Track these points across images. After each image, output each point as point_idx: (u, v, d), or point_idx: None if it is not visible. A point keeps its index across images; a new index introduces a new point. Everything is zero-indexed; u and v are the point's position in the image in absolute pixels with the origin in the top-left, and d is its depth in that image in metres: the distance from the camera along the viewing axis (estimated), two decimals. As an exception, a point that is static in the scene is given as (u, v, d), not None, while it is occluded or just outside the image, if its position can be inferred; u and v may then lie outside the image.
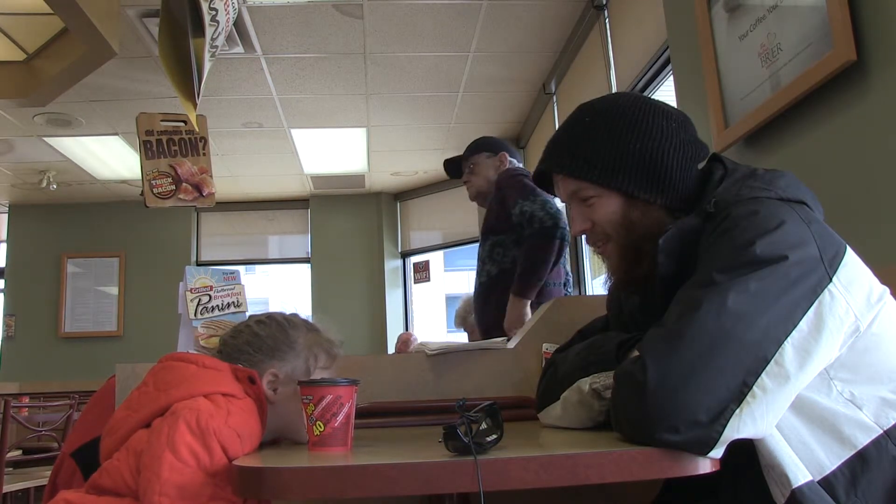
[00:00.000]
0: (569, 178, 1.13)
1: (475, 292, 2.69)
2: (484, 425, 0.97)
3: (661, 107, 1.14)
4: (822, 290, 0.89)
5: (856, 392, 0.92)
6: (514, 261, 2.48)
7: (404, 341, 6.12)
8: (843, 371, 0.92)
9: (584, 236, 1.17)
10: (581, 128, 1.14)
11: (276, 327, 1.26)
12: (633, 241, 1.10)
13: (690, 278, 0.95)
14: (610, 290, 1.30)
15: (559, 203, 2.57)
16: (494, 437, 0.92)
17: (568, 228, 2.40)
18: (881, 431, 0.91)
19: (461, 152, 2.87)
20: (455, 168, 2.86)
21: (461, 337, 4.60)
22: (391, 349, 6.65)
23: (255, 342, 1.23)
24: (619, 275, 1.14)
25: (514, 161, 2.73)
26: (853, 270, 0.93)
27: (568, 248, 2.47)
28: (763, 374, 0.84)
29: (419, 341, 5.92)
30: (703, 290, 0.89)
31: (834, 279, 0.90)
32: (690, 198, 1.09)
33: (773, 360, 0.85)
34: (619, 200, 1.10)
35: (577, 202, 1.14)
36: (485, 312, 2.58)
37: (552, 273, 2.47)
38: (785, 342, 0.86)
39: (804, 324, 0.87)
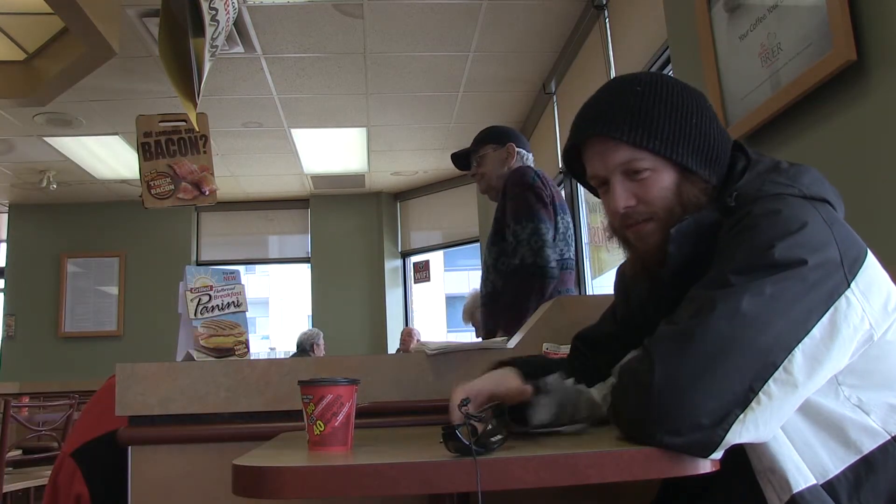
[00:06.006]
0: (624, 147, 1.02)
1: (481, 298, 2.65)
2: (490, 425, 0.97)
3: (700, 91, 1.09)
4: (839, 296, 0.87)
5: (863, 397, 0.91)
6: None
7: (408, 334, 6.14)
8: (852, 377, 0.91)
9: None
10: (635, 96, 1.04)
11: None
12: (677, 222, 1.01)
13: (706, 274, 0.93)
14: (620, 273, 1.25)
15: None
16: (500, 437, 0.92)
17: (551, 264, 2.30)
18: (888, 437, 0.90)
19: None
20: (463, 160, 2.73)
21: (462, 336, 4.59)
22: (391, 349, 6.65)
23: None
24: (654, 259, 1.04)
25: (523, 151, 2.61)
26: (872, 276, 0.91)
27: (555, 281, 2.34)
28: (770, 381, 0.83)
29: (420, 338, 5.94)
30: (718, 291, 0.87)
31: (852, 285, 0.88)
32: (719, 185, 1.05)
33: (781, 367, 0.83)
34: (675, 175, 1.02)
35: (622, 175, 1.04)
36: (486, 323, 2.56)
37: (566, 280, 2.45)
38: (795, 349, 0.84)
39: (817, 330, 0.85)
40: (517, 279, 2.33)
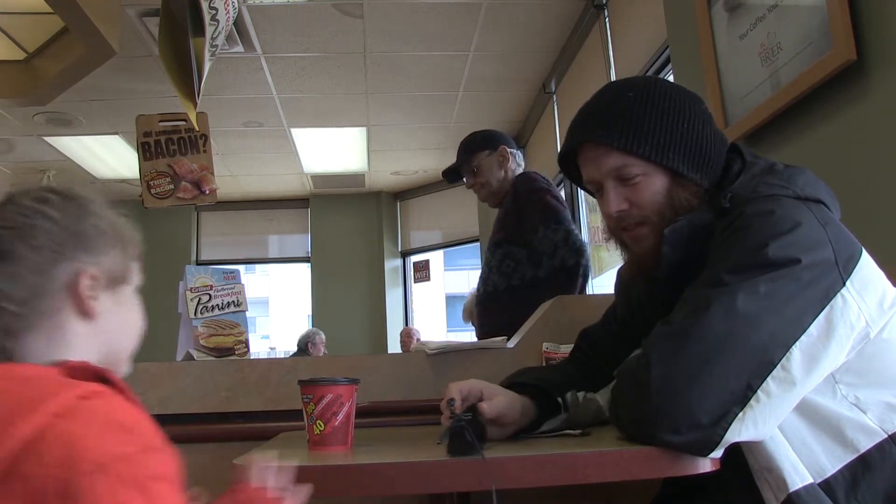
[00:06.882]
0: (615, 153, 1.04)
1: (478, 298, 2.64)
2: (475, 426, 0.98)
3: (694, 93, 1.11)
4: (835, 295, 0.87)
5: (860, 396, 0.91)
6: (524, 278, 2.41)
7: (407, 334, 6.15)
8: (849, 375, 0.91)
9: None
10: (627, 102, 1.05)
11: (73, 206, 0.83)
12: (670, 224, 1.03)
13: (701, 275, 0.93)
14: (620, 274, 1.27)
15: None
16: (482, 435, 0.93)
17: (590, 263, 2.36)
18: (885, 436, 0.90)
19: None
20: (454, 174, 2.67)
21: (462, 336, 4.60)
22: (391, 349, 6.66)
23: (53, 230, 0.77)
24: (650, 262, 1.06)
25: (515, 151, 2.59)
26: (868, 274, 0.91)
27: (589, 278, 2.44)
28: (768, 378, 0.83)
29: (419, 338, 5.94)
30: (713, 290, 0.88)
31: (847, 283, 0.88)
32: (712, 188, 1.06)
33: (779, 365, 0.84)
34: (666, 180, 1.03)
35: (614, 180, 1.05)
36: (483, 322, 2.54)
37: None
38: (793, 347, 0.84)
39: (814, 328, 0.86)
40: (559, 280, 2.33)
